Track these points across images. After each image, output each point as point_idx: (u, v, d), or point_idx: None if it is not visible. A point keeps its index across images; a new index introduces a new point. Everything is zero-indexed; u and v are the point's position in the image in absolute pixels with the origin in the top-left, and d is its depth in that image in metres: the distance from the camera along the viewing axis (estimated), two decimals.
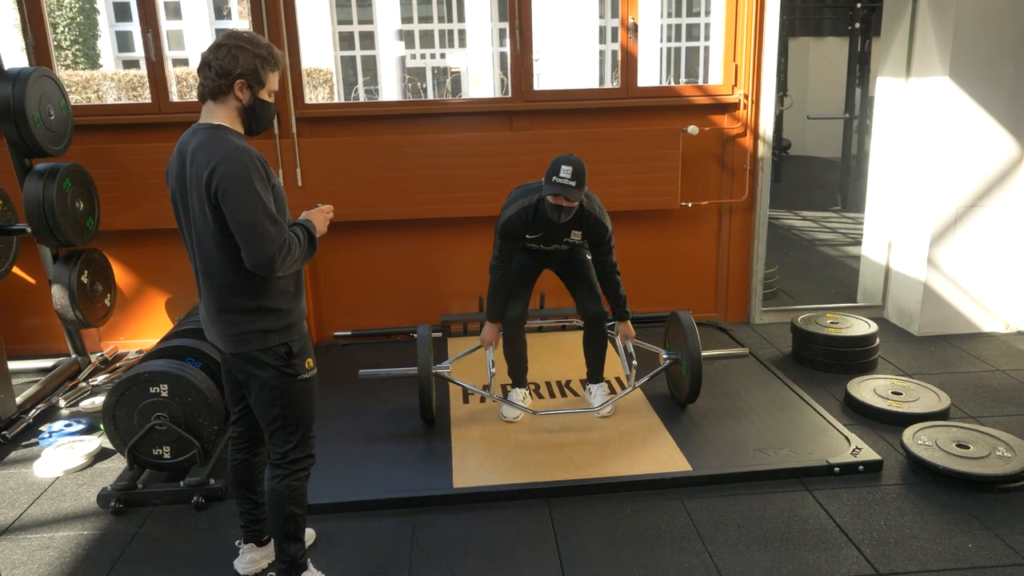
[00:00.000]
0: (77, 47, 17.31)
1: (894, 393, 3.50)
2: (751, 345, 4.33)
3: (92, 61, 16.70)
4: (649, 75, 16.91)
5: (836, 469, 2.93)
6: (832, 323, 4.09)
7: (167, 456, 2.92)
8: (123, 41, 19.46)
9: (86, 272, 3.85)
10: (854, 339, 3.91)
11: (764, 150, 4.46)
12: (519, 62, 4.27)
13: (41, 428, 3.45)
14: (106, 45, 18.99)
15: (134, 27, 18.70)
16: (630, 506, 2.76)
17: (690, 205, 4.46)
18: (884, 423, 3.34)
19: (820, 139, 11.41)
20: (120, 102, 12.04)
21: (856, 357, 3.91)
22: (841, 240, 6.80)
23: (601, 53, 21.48)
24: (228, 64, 1.95)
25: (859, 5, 7.73)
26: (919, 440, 3.01)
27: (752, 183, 4.52)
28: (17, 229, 3.26)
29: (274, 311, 2.07)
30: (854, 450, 3.03)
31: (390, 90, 18.38)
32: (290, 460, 2.16)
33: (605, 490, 2.84)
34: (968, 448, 2.93)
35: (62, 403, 3.70)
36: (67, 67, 16.92)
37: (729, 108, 4.43)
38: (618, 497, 2.81)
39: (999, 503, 2.72)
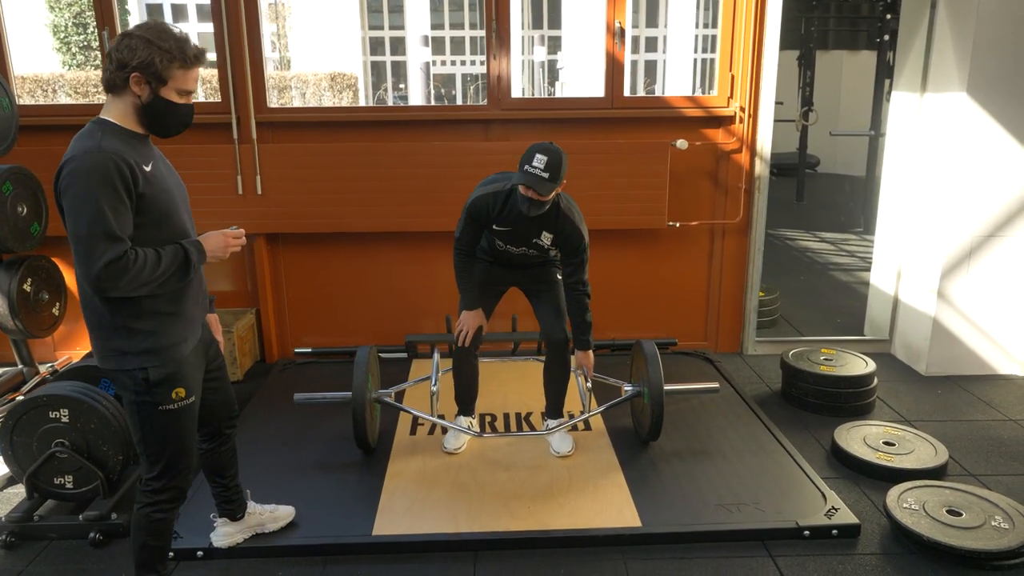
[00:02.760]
0: None
1: (886, 443, 3.13)
2: (740, 379, 3.98)
3: None
4: (681, 85, 16.52)
5: (806, 532, 2.59)
6: (826, 359, 3.72)
7: (69, 486, 2.70)
8: None
9: (29, 280, 3.67)
10: (847, 379, 3.54)
11: (761, 167, 4.12)
12: (495, 68, 4.00)
13: None
14: None
15: (191, 28, 18.93)
16: (564, 565, 2.45)
17: (678, 225, 4.13)
18: (872, 478, 2.98)
19: (851, 157, 10.91)
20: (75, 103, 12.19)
21: (850, 399, 3.54)
22: (857, 265, 6.38)
23: (633, 63, 21.17)
24: (126, 55, 1.80)
25: (888, 17, 7.30)
26: (904, 503, 2.65)
27: (747, 203, 4.18)
28: None
29: (134, 332, 1.89)
30: (829, 511, 2.68)
31: (416, 95, 18.39)
32: (152, 490, 2.02)
33: (538, 545, 2.54)
34: (960, 515, 2.56)
35: None
36: (97, 67, 17.19)
37: (724, 122, 4.10)
38: (552, 554, 2.51)
39: None
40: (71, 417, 2.63)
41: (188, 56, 1.84)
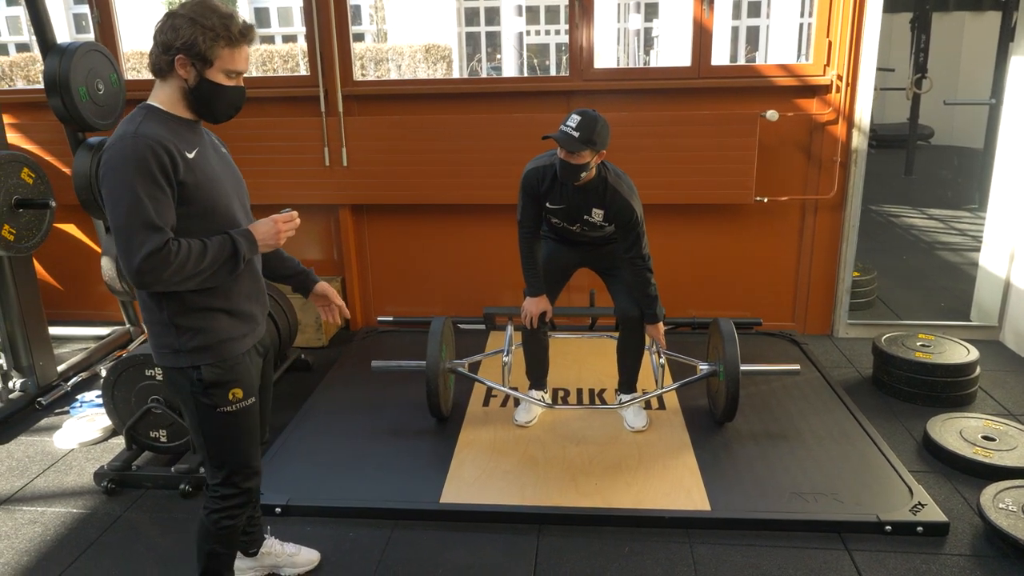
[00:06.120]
0: None
1: (985, 438, 2.92)
2: (827, 362, 3.80)
3: None
4: (785, 52, 15.73)
5: (888, 528, 2.45)
6: (922, 346, 3.49)
7: (163, 439, 2.89)
8: (260, 17, 20.52)
9: None
10: (945, 367, 3.31)
11: (859, 139, 3.87)
12: (578, 37, 3.92)
13: (77, 397, 3.55)
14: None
15: (271, 3, 19.59)
16: (628, 545, 2.43)
17: (766, 200, 3.96)
18: (967, 474, 2.79)
19: (970, 128, 10.07)
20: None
21: (947, 389, 3.32)
22: (967, 245, 5.93)
23: (734, 29, 20.30)
24: (169, 37, 1.70)
25: None
26: (1001, 503, 2.47)
27: (843, 177, 3.94)
28: (40, 204, 3.33)
29: (182, 329, 1.79)
30: (915, 506, 2.53)
31: (509, 66, 18.39)
32: (219, 496, 1.94)
33: (602, 523, 2.53)
34: None
35: (103, 372, 3.80)
36: None
37: (819, 91, 3.87)
38: (616, 532, 2.49)
39: None
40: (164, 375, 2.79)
41: (233, 34, 1.73)
